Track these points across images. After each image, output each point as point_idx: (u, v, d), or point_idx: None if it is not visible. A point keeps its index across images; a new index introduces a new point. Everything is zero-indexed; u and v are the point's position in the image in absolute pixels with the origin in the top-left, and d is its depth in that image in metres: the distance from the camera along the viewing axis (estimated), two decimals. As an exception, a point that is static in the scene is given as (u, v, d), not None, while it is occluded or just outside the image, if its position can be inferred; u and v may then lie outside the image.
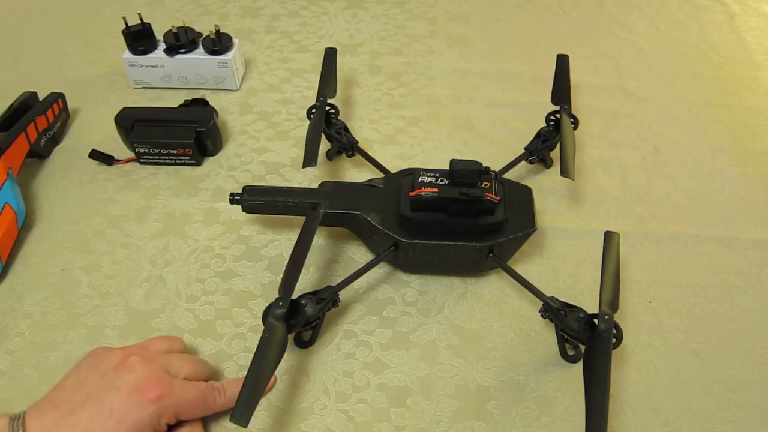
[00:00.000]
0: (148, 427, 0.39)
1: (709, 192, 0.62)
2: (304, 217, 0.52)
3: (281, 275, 0.46)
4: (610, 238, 0.48)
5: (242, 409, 0.37)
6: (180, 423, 0.42)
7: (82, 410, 0.38)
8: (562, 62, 0.64)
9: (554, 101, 0.62)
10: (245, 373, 0.39)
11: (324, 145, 0.63)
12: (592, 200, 0.60)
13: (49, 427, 0.37)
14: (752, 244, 0.57)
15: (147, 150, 0.61)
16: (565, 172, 0.53)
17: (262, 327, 0.44)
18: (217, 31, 0.67)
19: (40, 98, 0.64)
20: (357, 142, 0.60)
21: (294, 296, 0.46)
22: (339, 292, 0.48)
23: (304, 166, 0.52)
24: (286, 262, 0.47)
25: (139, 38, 0.67)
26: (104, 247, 0.55)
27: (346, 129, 0.61)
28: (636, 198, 0.61)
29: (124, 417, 0.38)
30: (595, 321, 0.44)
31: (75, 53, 0.76)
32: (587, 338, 0.44)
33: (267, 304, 0.45)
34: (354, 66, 0.75)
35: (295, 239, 0.48)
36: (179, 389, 0.40)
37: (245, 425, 0.37)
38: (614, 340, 0.44)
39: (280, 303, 0.43)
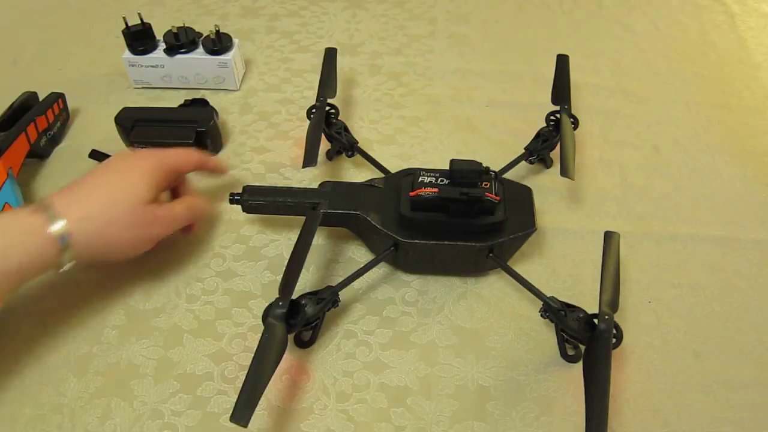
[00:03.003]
0: (151, 170, 0.47)
1: (709, 192, 0.62)
2: (304, 217, 0.52)
3: (281, 275, 0.46)
4: (610, 238, 0.48)
5: (242, 409, 0.37)
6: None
7: (104, 169, 0.47)
8: (562, 62, 0.65)
9: (554, 101, 0.62)
10: (244, 372, 0.39)
11: (324, 145, 0.63)
12: (592, 200, 0.61)
13: (74, 185, 0.45)
14: (752, 244, 0.57)
15: (147, 150, 0.61)
16: (565, 172, 0.53)
17: (262, 327, 0.44)
18: (217, 31, 0.67)
19: (40, 98, 0.64)
20: (357, 142, 0.60)
21: (294, 296, 0.46)
22: (339, 292, 0.48)
23: (304, 166, 0.52)
24: (286, 262, 0.47)
25: (139, 38, 0.67)
26: (104, 247, 0.55)
27: (346, 129, 0.61)
28: (636, 198, 0.61)
29: (136, 165, 0.47)
30: (595, 321, 0.44)
31: (75, 53, 0.76)
32: (587, 338, 0.44)
33: (267, 304, 0.45)
34: (354, 66, 0.75)
35: (295, 239, 0.48)
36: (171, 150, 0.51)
37: (245, 425, 0.37)
38: (614, 340, 0.44)
39: (280, 303, 0.43)
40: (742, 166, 0.64)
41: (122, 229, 0.45)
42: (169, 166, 0.49)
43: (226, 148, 0.64)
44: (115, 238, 0.45)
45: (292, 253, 0.47)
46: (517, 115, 0.69)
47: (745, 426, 0.46)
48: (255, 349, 0.41)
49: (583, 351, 0.47)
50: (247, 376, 0.39)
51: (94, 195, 0.44)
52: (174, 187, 0.53)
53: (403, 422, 0.45)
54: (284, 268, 0.46)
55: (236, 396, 0.40)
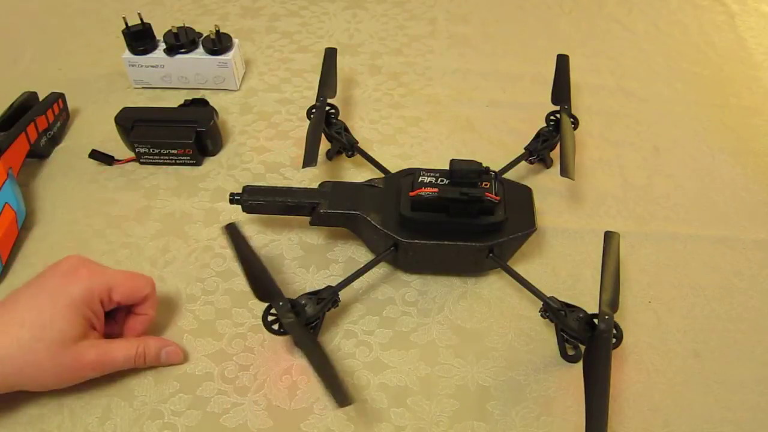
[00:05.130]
0: (80, 302, 0.42)
1: (709, 192, 0.62)
2: (303, 218, 0.52)
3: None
4: (610, 238, 0.48)
5: (336, 394, 0.39)
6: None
7: (23, 295, 0.42)
8: (562, 62, 0.64)
9: (554, 101, 0.62)
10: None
11: (324, 145, 0.63)
12: (592, 200, 0.60)
13: None
14: (752, 244, 0.57)
15: (147, 150, 0.61)
16: (565, 172, 0.53)
17: (262, 327, 0.44)
18: (217, 31, 0.67)
19: (40, 98, 0.64)
20: (357, 142, 0.60)
21: (294, 296, 0.46)
22: (339, 292, 0.48)
23: (304, 167, 0.52)
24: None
25: (139, 38, 0.67)
26: (104, 247, 0.55)
27: (346, 129, 0.61)
28: (636, 198, 0.61)
29: (58, 294, 0.42)
30: (595, 321, 0.44)
31: (75, 53, 0.76)
32: (587, 338, 0.44)
33: (265, 307, 0.45)
34: (354, 66, 0.75)
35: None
36: (109, 270, 0.45)
37: (351, 402, 0.40)
38: (614, 340, 0.44)
39: (280, 303, 0.43)
40: (742, 166, 0.64)
41: (42, 371, 0.41)
42: (106, 295, 0.44)
43: (226, 148, 0.64)
44: (36, 379, 0.42)
45: (242, 265, 0.46)
46: (517, 115, 0.69)
47: (745, 426, 0.46)
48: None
49: (583, 351, 0.47)
50: (315, 371, 0.41)
51: (14, 333, 0.40)
52: (130, 307, 0.47)
53: (403, 422, 0.45)
54: (248, 281, 0.45)
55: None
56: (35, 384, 0.43)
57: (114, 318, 0.47)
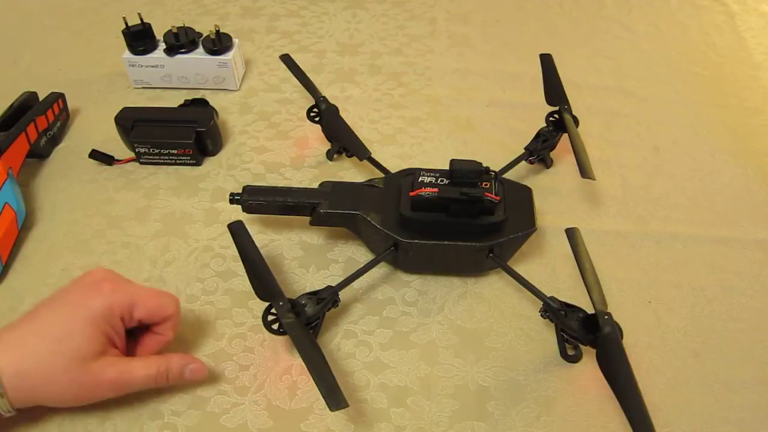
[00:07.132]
0: (100, 317, 0.41)
1: (709, 192, 0.62)
2: (303, 218, 0.52)
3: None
4: (573, 234, 0.47)
5: (331, 397, 0.39)
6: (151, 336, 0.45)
7: (45, 308, 0.41)
8: (547, 61, 0.63)
9: (550, 102, 0.61)
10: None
11: (324, 145, 0.63)
12: (592, 200, 0.60)
13: (14, 326, 0.41)
14: (752, 244, 0.57)
15: (147, 150, 0.61)
16: (585, 173, 0.52)
17: (262, 327, 0.44)
18: (217, 31, 0.67)
19: (40, 98, 0.64)
20: (357, 142, 0.60)
21: (294, 296, 0.46)
22: (339, 292, 0.48)
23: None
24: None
25: (139, 38, 0.67)
26: (104, 247, 0.55)
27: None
28: (636, 198, 0.61)
29: (78, 307, 0.41)
30: (597, 320, 0.44)
31: (75, 53, 0.76)
32: (594, 342, 0.44)
33: (265, 307, 0.45)
34: (354, 66, 0.75)
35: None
36: (133, 286, 0.44)
37: (345, 406, 0.38)
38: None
39: (280, 303, 0.43)
40: (742, 166, 0.64)
41: (59, 387, 0.40)
42: (128, 311, 0.42)
43: (226, 148, 0.64)
44: (52, 394, 0.41)
45: (245, 263, 0.46)
46: (517, 115, 0.69)
47: (745, 426, 0.45)
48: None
49: (584, 352, 0.47)
50: (310, 372, 0.40)
51: (32, 346, 0.39)
52: (151, 326, 0.45)
53: (403, 422, 0.45)
54: (250, 280, 0.45)
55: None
56: (52, 399, 0.41)
57: (135, 336, 0.46)
